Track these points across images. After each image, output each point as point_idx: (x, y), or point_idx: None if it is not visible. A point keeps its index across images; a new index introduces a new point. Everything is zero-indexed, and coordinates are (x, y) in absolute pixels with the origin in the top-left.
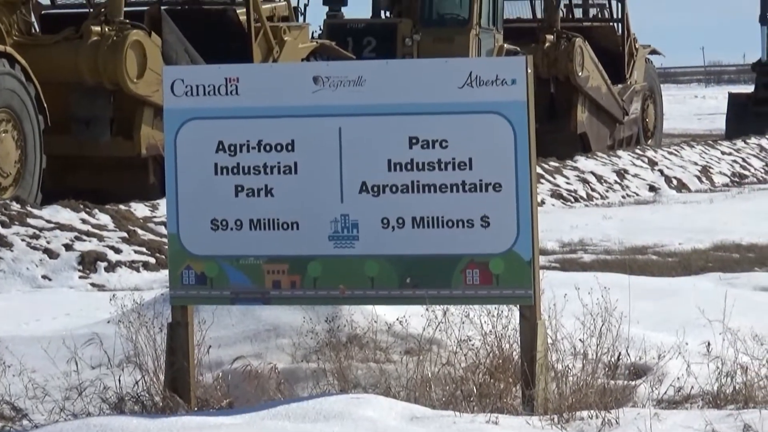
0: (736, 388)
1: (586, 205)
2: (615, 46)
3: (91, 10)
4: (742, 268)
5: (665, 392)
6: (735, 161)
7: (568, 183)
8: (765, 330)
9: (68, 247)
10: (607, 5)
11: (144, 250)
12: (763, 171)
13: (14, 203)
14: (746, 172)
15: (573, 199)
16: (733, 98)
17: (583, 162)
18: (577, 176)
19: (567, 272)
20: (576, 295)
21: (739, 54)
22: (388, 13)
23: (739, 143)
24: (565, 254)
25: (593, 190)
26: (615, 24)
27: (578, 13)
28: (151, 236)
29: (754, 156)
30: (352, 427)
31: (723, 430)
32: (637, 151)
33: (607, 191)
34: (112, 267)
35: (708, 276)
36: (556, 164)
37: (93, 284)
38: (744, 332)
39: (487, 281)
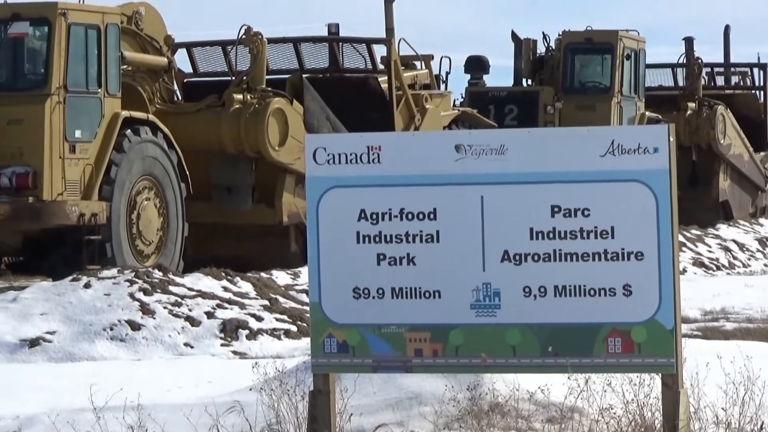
0: None
1: (728, 274)
2: (757, 113)
3: (233, 78)
4: None
5: None
6: None
7: (710, 251)
8: None
9: (210, 315)
10: (749, 73)
11: (285, 318)
12: None
13: (156, 271)
14: None
15: (715, 268)
16: None
17: (724, 230)
18: (719, 244)
19: (709, 341)
20: (718, 363)
21: None
22: (529, 81)
23: None
24: (707, 322)
25: (735, 258)
26: (757, 92)
27: (720, 80)
28: (293, 304)
29: None
30: None
31: None
32: None
33: (749, 259)
34: (253, 335)
35: None
36: (698, 232)
37: (234, 352)
38: None
39: (629, 350)
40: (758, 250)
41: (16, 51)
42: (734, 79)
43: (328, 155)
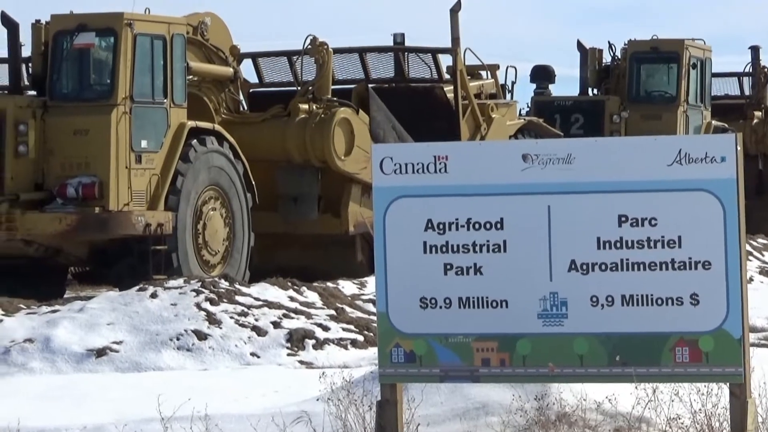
0: None
1: None
2: None
3: (299, 88)
4: None
5: None
6: None
7: None
8: None
9: (276, 325)
10: None
11: (352, 327)
12: None
13: (223, 281)
14: None
15: None
16: None
17: None
18: None
19: None
20: None
21: None
22: (595, 91)
23: None
24: None
25: None
26: None
27: None
28: (359, 314)
29: None
30: None
31: None
32: None
33: None
34: (320, 344)
35: None
36: (765, 241)
37: (301, 361)
38: None
39: (696, 359)
40: None
41: (82, 62)
42: None
43: (395, 165)
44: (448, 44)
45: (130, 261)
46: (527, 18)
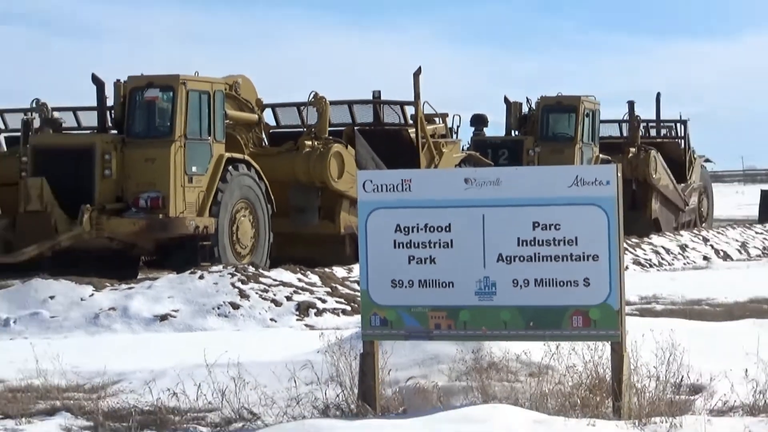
0: (767, 401)
1: (658, 270)
2: (679, 156)
3: (305, 129)
4: None
5: (715, 404)
6: (765, 239)
7: (645, 254)
8: None
9: (288, 299)
10: (674, 127)
11: (343, 300)
12: None
13: (250, 267)
14: None
15: (648, 266)
16: (764, 193)
17: (655, 239)
18: (652, 249)
19: (644, 318)
20: (651, 335)
21: None
22: (516, 132)
23: None
24: (643, 305)
25: (663, 259)
26: (679, 140)
27: (653, 132)
28: (348, 291)
29: None
30: (492, 428)
31: (756, 429)
32: (695, 231)
33: (673, 260)
34: (319, 312)
35: (746, 321)
36: (636, 241)
37: (306, 325)
38: None
39: (587, 325)
40: (679, 254)
41: (150, 109)
42: (663, 131)
43: (374, 185)
44: (411, 98)
45: (184, 253)
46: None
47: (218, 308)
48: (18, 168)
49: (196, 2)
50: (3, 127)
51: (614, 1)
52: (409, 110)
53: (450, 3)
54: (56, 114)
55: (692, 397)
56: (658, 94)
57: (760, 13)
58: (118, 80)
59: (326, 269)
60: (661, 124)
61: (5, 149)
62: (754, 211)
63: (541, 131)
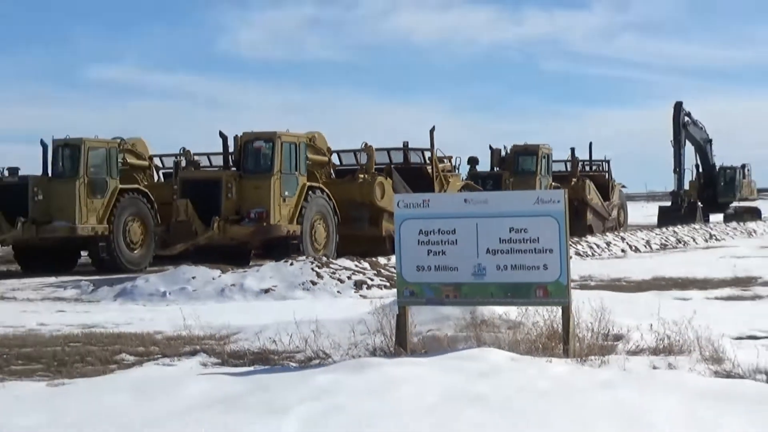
0: (664, 345)
1: (591, 259)
2: (604, 183)
3: (358, 167)
4: (667, 288)
5: (630, 347)
6: (662, 237)
7: (582, 248)
8: (678, 318)
9: (348, 278)
10: (601, 164)
11: (384, 279)
12: (675, 241)
13: (323, 257)
14: (667, 243)
15: (585, 256)
16: (660, 208)
17: (589, 238)
18: (587, 244)
19: (583, 290)
20: (587, 301)
21: (665, 185)
22: (497, 168)
23: (664, 229)
24: (582, 282)
25: (594, 251)
26: (604, 173)
27: (587, 168)
28: (388, 273)
29: (671, 235)
30: (484, 363)
31: (658, 364)
32: (615, 233)
33: (601, 252)
34: (369, 287)
35: (650, 292)
36: (577, 239)
37: (361, 295)
38: (668, 318)
39: (546, 295)
40: (605, 248)
41: (257, 154)
42: (594, 167)
43: (405, 204)
44: (428, 146)
45: (280, 248)
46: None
47: (302, 284)
48: (171, 193)
49: (288, 82)
50: (161, 165)
51: (564, 87)
52: (427, 154)
53: (453, 85)
54: (196, 157)
55: (615, 343)
56: (590, 143)
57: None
58: (236, 135)
59: (373, 258)
60: (593, 162)
61: (163, 180)
62: (654, 220)
63: (514, 168)
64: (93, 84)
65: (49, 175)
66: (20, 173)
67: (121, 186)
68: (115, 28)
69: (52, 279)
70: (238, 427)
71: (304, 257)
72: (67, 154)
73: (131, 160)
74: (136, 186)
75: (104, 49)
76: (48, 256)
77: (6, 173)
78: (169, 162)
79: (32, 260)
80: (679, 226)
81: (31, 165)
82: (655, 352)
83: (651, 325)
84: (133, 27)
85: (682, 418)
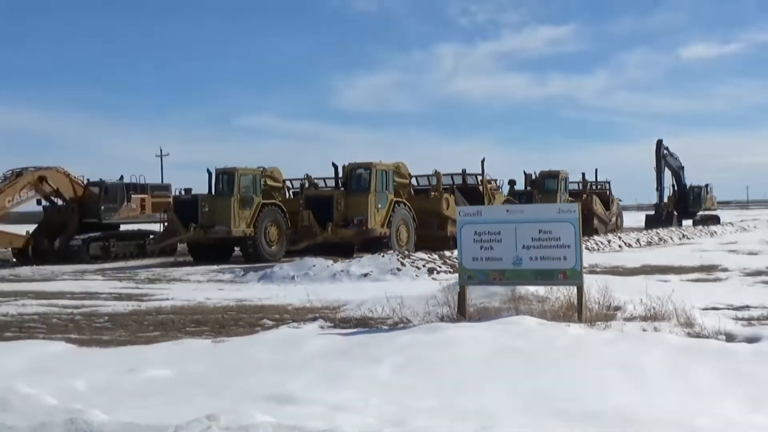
0: (651, 314)
1: (597, 252)
2: (606, 198)
3: (430, 186)
4: (652, 273)
5: (626, 315)
6: (648, 237)
7: (590, 245)
8: (661, 294)
9: (423, 266)
10: (604, 184)
11: (449, 267)
12: (657, 239)
13: (406, 251)
14: (652, 241)
15: (592, 250)
16: (647, 216)
17: (595, 238)
18: (594, 242)
19: (591, 275)
20: (595, 283)
21: (650, 199)
22: (529, 188)
23: (649, 231)
24: (590, 269)
25: (599, 247)
26: (606, 190)
27: (594, 186)
28: (452, 262)
29: (654, 235)
30: (521, 326)
31: (646, 327)
32: (614, 234)
33: (604, 248)
34: (438, 272)
35: (640, 276)
36: (586, 238)
37: (432, 278)
38: (653, 295)
39: (565, 278)
40: (607, 244)
41: (360, 178)
42: (598, 186)
43: (464, 213)
44: (480, 171)
45: (375, 245)
46: (507, 162)
47: (391, 270)
48: (298, 206)
49: (379, 126)
50: (291, 186)
51: (577, 129)
52: (479, 177)
53: (497, 128)
54: (315, 180)
55: (615, 312)
56: (596, 169)
57: (638, 132)
58: (344, 164)
59: (441, 252)
60: (597, 183)
61: (292, 197)
62: (642, 224)
63: (541, 187)
64: (243, 129)
65: (213, 193)
66: (192, 192)
67: (263, 201)
68: (259, 90)
69: (214, 267)
70: (346, 371)
71: (391, 251)
72: (225, 179)
73: (270, 182)
74: (273, 201)
75: (251, 105)
76: (211, 251)
77: (183, 192)
78: (297, 184)
79: (200, 254)
80: (661, 229)
81: (200, 186)
82: (644, 318)
83: (641, 299)
84: (271, 89)
85: (664, 365)
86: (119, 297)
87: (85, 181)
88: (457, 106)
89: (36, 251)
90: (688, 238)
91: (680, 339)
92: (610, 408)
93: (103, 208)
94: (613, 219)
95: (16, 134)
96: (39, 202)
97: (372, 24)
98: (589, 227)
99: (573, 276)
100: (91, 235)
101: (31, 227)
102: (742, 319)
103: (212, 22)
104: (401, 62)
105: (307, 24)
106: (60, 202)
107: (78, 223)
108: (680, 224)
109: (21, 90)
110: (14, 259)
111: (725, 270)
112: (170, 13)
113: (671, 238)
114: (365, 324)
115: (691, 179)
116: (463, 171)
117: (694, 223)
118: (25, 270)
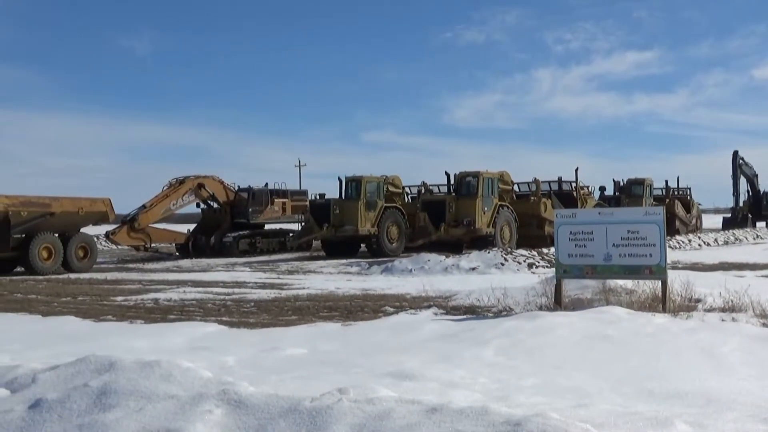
0: (729, 305)
1: (679, 250)
2: (687, 202)
3: (530, 192)
4: (730, 269)
5: (707, 307)
6: (725, 237)
7: (673, 244)
8: (738, 288)
9: (524, 261)
10: (686, 190)
11: (547, 262)
12: (733, 239)
13: (508, 248)
14: (728, 240)
15: (674, 248)
16: (724, 218)
17: (677, 237)
18: (676, 241)
19: (674, 270)
20: (678, 277)
21: (726, 203)
22: (617, 194)
23: (726, 231)
24: (673, 265)
25: (680, 245)
26: (688, 196)
27: (676, 192)
28: (549, 258)
29: (731, 235)
30: (611, 315)
31: (725, 318)
32: (694, 234)
33: (684, 246)
34: (537, 267)
35: (719, 272)
36: (669, 238)
37: (532, 272)
38: (731, 288)
39: (651, 273)
40: (687, 244)
41: (468, 184)
42: (680, 192)
43: (560, 215)
44: (574, 179)
45: (482, 243)
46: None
47: (495, 265)
48: (415, 209)
49: (485, 141)
50: (409, 192)
51: (660, 142)
52: (573, 184)
53: (589, 141)
54: (430, 186)
55: (696, 304)
56: (678, 177)
57: (716, 144)
58: (455, 173)
59: (540, 249)
60: (679, 189)
61: (410, 201)
62: (719, 225)
63: (629, 192)
64: (368, 143)
65: (343, 198)
66: (326, 197)
67: (385, 204)
68: (381, 109)
69: (344, 261)
70: (457, 352)
71: (496, 248)
72: (353, 185)
73: (391, 189)
74: (394, 204)
75: (375, 122)
76: (341, 247)
77: (317, 197)
78: (414, 190)
79: (332, 249)
80: (736, 230)
81: (332, 192)
82: (722, 310)
83: (719, 292)
84: (391, 109)
85: (740, 351)
86: (263, 286)
87: (236, 188)
88: (554, 122)
89: (195, 246)
90: (761, 238)
91: (756, 328)
92: (692, 389)
93: (250, 210)
94: (694, 221)
95: (179, 148)
96: (198, 205)
97: (479, 52)
98: (671, 228)
99: (658, 271)
100: (241, 233)
101: (191, 226)
102: None
103: (336, 48)
104: (504, 85)
105: (420, 53)
106: (215, 205)
107: (230, 223)
108: (754, 226)
109: (182, 111)
110: (177, 253)
111: None
112: (306, 39)
113: (746, 238)
114: (473, 311)
115: (764, 186)
116: (559, 179)
117: (767, 225)
118: (185, 262)
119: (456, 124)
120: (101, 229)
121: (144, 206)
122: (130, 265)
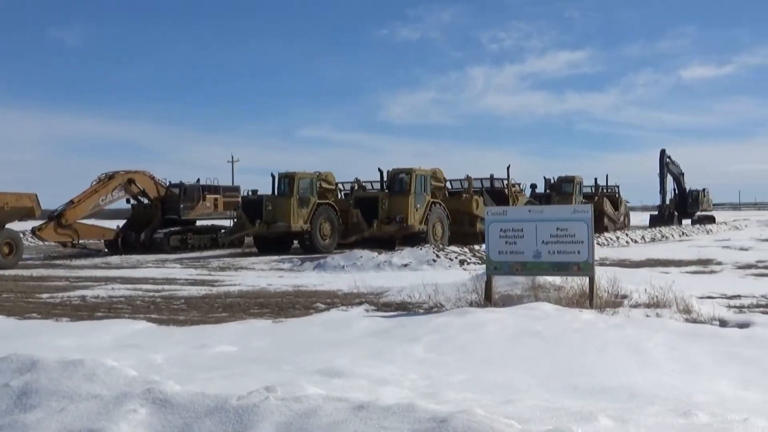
0: (654, 301)
1: (607, 247)
2: (616, 200)
3: (462, 189)
4: (655, 266)
5: (632, 303)
6: (652, 234)
7: (601, 241)
8: (662, 284)
9: (455, 258)
10: (614, 188)
11: (478, 259)
12: (660, 236)
13: (440, 245)
14: (655, 237)
15: (603, 245)
16: (651, 216)
17: (605, 234)
18: (603, 238)
19: (601, 266)
20: (604, 273)
21: (653, 201)
22: (548, 191)
23: (653, 229)
24: (600, 262)
25: (607, 242)
26: (616, 194)
27: (606, 190)
28: (480, 255)
29: (657, 233)
30: (539, 311)
31: (649, 313)
32: (622, 231)
33: (612, 243)
34: (468, 263)
35: (645, 268)
36: (597, 235)
37: (463, 269)
38: (656, 285)
39: (579, 270)
40: (615, 240)
41: (401, 181)
42: (609, 190)
43: (491, 213)
44: (505, 177)
45: (414, 240)
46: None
47: (427, 261)
48: (348, 205)
49: (419, 137)
50: (342, 188)
51: (591, 140)
52: (504, 181)
53: (521, 139)
54: (363, 183)
55: (622, 300)
56: (606, 175)
57: (644, 143)
58: (388, 170)
59: (471, 246)
60: (608, 186)
61: (343, 198)
62: (647, 223)
63: (559, 190)
64: (303, 139)
65: (276, 194)
66: (258, 193)
67: (318, 201)
68: (317, 106)
69: (276, 257)
70: (387, 349)
71: (428, 245)
72: (286, 181)
73: (325, 185)
74: (327, 201)
75: (310, 118)
76: (274, 243)
77: (250, 193)
78: (347, 186)
79: (264, 246)
80: (663, 227)
81: (265, 188)
82: (648, 306)
83: (645, 289)
84: (327, 105)
85: (664, 347)
86: (194, 282)
87: (167, 183)
88: (488, 120)
89: (124, 243)
90: (687, 235)
91: (679, 324)
92: (617, 384)
93: (182, 206)
94: (622, 218)
95: (109, 143)
96: (128, 201)
97: (414, 50)
98: (600, 225)
99: (585, 268)
100: (172, 229)
101: (121, 222)
102: (734, 306)
103: (276, 44)
104: (439, 82)
105: (357, 49)
106: (145, 200)
107: (161, 219)
108: (680, 223)
109: (113, 105)
110: (106, 250)
111: (720, 263)
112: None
113: (672, 236)
114: (404, 308)
115: (690, 184)
116: (491, 176)
117: (693, 223)
118: (114, 259)
119: (392, 121)
120: (27, 225)
121: (72, 201)
122: (57, 262)
